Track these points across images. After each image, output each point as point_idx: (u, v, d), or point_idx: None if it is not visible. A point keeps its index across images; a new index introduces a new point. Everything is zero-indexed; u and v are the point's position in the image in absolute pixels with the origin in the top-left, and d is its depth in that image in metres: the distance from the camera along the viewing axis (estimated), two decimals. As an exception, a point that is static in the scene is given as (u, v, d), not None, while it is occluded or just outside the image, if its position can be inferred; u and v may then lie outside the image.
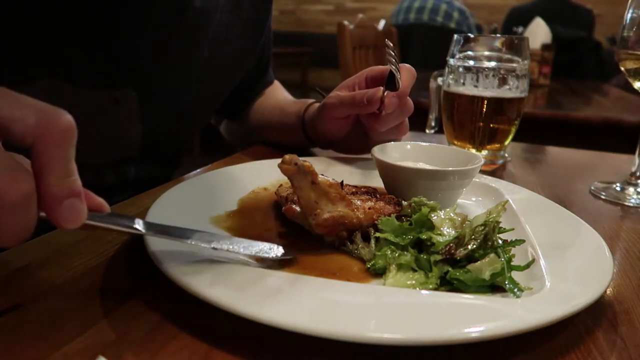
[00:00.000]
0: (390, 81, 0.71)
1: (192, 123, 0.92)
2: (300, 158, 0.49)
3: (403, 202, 0.57)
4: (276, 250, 0.47)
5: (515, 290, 0.43)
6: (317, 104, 0.87)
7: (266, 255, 0.47)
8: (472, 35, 0.96)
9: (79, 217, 0.36)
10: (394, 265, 0.47)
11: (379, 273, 0.48)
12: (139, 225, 0.43)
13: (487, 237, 0.47)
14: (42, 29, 0.63)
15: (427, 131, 1.06)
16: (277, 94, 1.09)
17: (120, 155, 0.79)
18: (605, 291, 0.45)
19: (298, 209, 0.53)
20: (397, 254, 0.48)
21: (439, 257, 0.46)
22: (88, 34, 0.66)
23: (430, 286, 0.45)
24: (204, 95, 0.88)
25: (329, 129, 0.81)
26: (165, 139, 0.86)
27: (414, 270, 0.47)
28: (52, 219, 0.35)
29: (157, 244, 0.46)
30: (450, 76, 0.97)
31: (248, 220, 0.59)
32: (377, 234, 0.51)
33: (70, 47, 0.65)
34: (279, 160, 0.49)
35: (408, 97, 0.72)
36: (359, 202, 0.55)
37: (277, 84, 1.12)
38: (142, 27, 0.71)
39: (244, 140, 1.10)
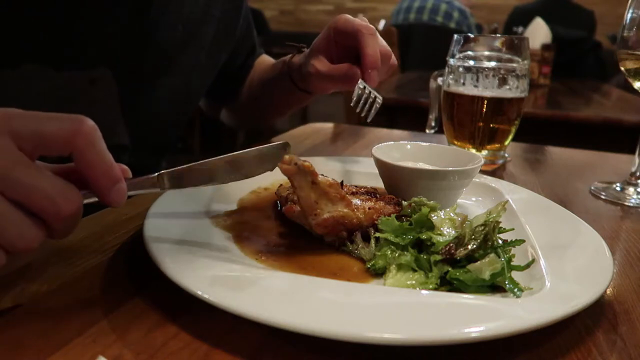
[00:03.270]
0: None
1: (177, 108, 0.92)
2: (301, 158, 0.49)
3: (403, 202, 0.57)
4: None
5: (515, 290, 0.43)
6: (297, 57, 0.89)
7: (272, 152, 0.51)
8: (472, 35, 0.96)
9: (124, 197, 0.43)
10: (394, 265, 0.47)
11: (379, 273, 0.48)
12: (163, 179, 0.49)
13: (487, 237, 0.47)
14: (17, 15, 0.63)
15: (427, 131, 1.06)
16: (266, 60, 1.10)
17: (111, 144, 0.79)
18: (605, 291, 0.45)
19: (298, 208, 0.53)
20: (397, 254, 0.48)
21: (439, 257, 0.46)
22: (57, 16, 0.66)
23: (430, 286, 0.45)
24: (187, 80, 0.88)
25: (323, 91, 0.86)
26: (151, 125, 0.86)
27: (414, 270, 0.47)
28: (104, 202, 0.43)
29: (157, 244, 0.46)
30: (450, 76, 0.97)
31: (248, 220, 0.59)
32: (377, 234, 0.51)
33: (45, 30, 0.66)
34: (279, 160, 0.49)
35: (381, 46, 0.74)
36: (359, 202, 0.55)
37: (264, 56, 1.12)
38: (110, 8, 0.71)
39: (245, 124, 1.11)
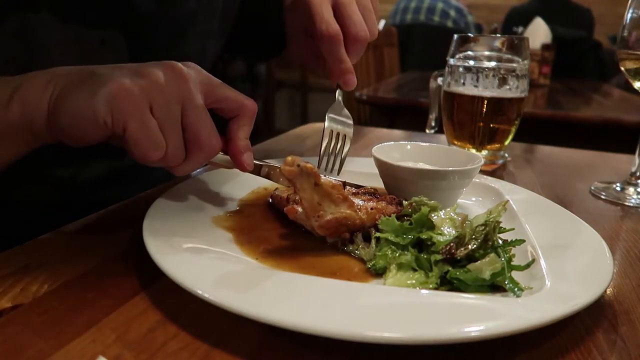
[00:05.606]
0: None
1: None
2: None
3: (404, 201, 0.57)
4: None
5: (516, 289, 0.43)
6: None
7: None
8: (472, 35, 0.96)
9: (252, 163, 0.56)
10: (394, 265, 0.47)
11: (379, 273, 0.48)
12: (262, 170, 0.60)
13: (488, 237, 0.47)
14: None
15: (427, 131, 1.06)
16: None
17: None
18: (605, 291, 0.45)
19: (300, 209, 0.53)
20: (397, 254, 0.48)
21: (439, 257, 0.46)
22: None
23: (431, 286, 0.45)
24: (202, 47, 0.86)
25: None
26: None
27: (414, 270, 0.47)
28: (237, 164, 0.55)
29: (157, 244, 0.46)
30: (450, 76, 0.97)
31: (248, 220, 0.59)
32: (378, 234, 0.51)
33: None
34: (279, 160, 0.49)
35: (348, 37, 0.71)
36: (361, 203, 0.55)
37: None
38: None
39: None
